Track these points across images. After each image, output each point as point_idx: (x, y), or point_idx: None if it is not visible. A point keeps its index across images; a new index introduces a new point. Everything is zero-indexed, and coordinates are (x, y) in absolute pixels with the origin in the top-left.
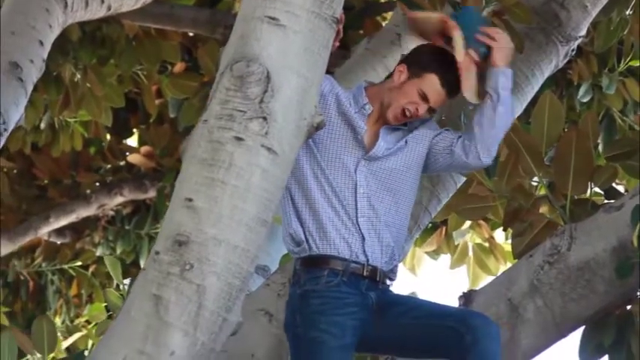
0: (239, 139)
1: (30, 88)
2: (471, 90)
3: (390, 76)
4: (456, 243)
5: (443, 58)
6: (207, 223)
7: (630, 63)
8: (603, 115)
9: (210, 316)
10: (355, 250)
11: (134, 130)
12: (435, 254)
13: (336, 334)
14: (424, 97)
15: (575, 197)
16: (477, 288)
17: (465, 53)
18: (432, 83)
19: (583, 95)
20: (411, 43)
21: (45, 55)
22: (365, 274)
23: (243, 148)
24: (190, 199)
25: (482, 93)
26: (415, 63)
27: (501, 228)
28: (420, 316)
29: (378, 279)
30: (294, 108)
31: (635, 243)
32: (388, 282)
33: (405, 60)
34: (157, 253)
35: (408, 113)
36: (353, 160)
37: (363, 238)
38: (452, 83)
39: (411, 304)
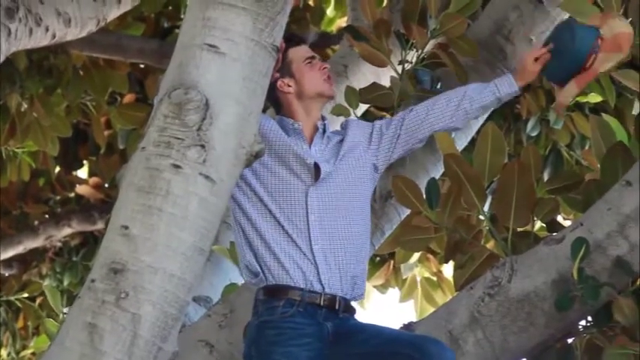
0: (177, 166)
1: None
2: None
3: (277, 101)
4: (404, 277)
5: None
6: (143, 251)
7: (577, 98)
8: (550, 149)
9: (145, 345)
10: (310, 278)
11: (84, 161)
12: (383, 288)
13: None
14: (310, 59)
15: (518, 230)
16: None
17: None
18: (298, 52)
19: (531, 129)
20: (358, 74)
21: None
22: (322, 303)
23: (181, 176)
24: (126, 227)
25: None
26: (282, 68)
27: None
28: (377, 344)
29: (337, 307)
30: (232, 136)
31: (576, 276)
32: (351, 310)
33: (279, 75)
34: (93, 281)
35: (325, 78)
36: (301, 187)
37: (317, 266)
38: (293, 37)
39: (371, 331)
